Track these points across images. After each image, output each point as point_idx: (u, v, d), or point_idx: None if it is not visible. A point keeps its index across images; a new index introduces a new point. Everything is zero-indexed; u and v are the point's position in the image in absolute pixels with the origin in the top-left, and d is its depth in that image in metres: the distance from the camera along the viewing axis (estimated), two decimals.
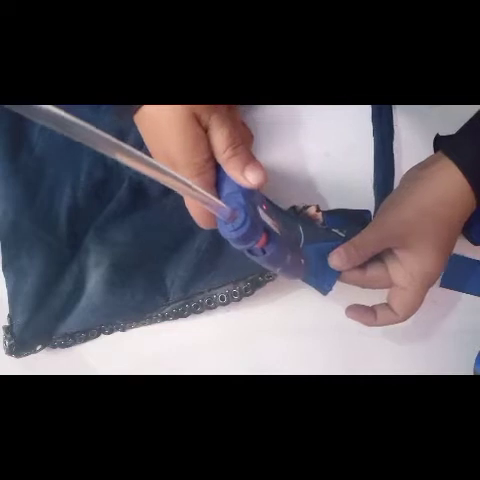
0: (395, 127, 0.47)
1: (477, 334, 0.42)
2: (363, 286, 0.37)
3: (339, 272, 0.36)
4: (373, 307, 0.37)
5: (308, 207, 0.42)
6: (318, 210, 0.41)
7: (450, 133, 0.38)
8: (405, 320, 0.36)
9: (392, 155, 0.45)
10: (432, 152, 0.42)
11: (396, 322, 0.36)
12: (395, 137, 0.46)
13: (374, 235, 0.34)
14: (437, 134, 0.42)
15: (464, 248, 0.43)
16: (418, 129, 0.46)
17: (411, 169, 0.35)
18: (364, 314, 0.37)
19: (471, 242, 0.43)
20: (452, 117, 0.39)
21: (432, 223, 0.32)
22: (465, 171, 0.31)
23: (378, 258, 0.36)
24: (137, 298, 0.45)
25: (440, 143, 0.34)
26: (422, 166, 0.34)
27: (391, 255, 0.35)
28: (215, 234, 0.43)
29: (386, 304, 0.36)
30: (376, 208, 0.42)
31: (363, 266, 0.36)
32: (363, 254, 0.34)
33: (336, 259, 0.35)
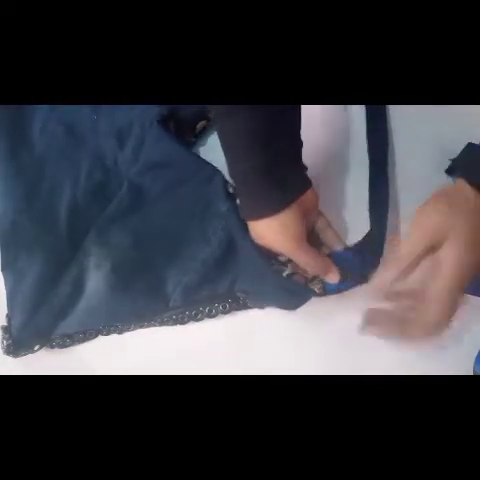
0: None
1: (477, 334, 0.42)
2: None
3: None
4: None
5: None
6: None
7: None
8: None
9: (387, 179, 0.46)
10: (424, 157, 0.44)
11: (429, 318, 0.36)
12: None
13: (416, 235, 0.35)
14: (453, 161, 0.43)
15: None
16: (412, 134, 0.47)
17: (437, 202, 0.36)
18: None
19: None
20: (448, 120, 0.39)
21: (466, 227, 0.34)
22: None
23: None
24: (137, 303, 0.45)
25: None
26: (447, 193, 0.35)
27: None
28: (221, 248, 0.44)
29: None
30: (371, 229, 0.43)
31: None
32: (409, 255, 0.35)
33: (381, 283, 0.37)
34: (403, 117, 0.48)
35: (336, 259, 0.41)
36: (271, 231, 0.39)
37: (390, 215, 0.44)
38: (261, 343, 0.44)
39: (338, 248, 0.43)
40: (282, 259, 0.42)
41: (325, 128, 0.49)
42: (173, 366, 0.44)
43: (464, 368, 0.41)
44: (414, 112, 0.47)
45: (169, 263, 0.46)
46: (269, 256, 0.41)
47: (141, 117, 0.49)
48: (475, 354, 0.41)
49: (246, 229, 0.41)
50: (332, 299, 0.42)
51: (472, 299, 0.43)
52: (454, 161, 0.43)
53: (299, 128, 0.40)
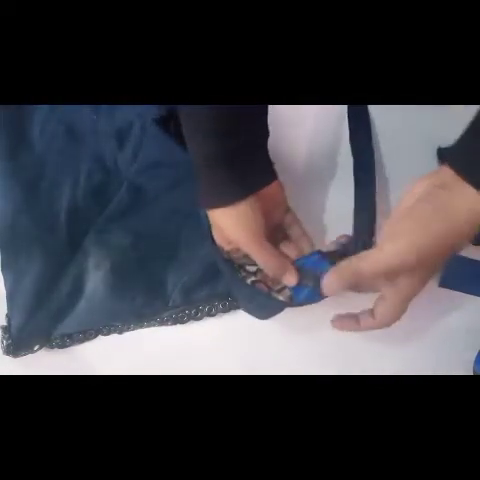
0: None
1: (477, 334, 0.42)
2: (355, 292, 0.38)
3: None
4: (357, 314, 0.38)
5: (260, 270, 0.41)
6: None
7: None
8: (386, 326, 0.37)
9: (373, 184, 0.44)
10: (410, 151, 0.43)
11: (378, 328, 0.37)
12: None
13: (375, 267, 0.34)
14: (439, 147, 0.42)
15: (464, 248, 0.43)
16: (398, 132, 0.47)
17: (422, 182, 0.34)
18: (348, 322, 0.38)
19: (471, 242, 0.43)
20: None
21: (439, 255, 0.33)
22: None
23: None
24: (137, 302, 0.45)
25: (453, 162, 0.32)
26: (438, 184, 0.32)
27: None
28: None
29: (370, 310, 0.37)
30: (355, 234, 0.41)
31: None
32: (356, 281, 0.35)
33: (328, 286, 0.36)
34: (398, 118, 0.48)
35: (303, 264, 0.39)
36: (227, 221, 0.37)
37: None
38: (261, 342, 0.44)
39: (304, 245, 0.41)
40: (251, 269, 0.40)
41: (315, 129, 0.49)
42: (173, 366, 0.44)
43: (464, 368, 0.41)
44: (409, 113, 0.47)
45: (168, 263, 0.46)
46: (239, 264, 0.40)
47: (141, 117, 0.49)
48: (475, 354, 0.41)
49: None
50: (332, 301, 0.43)
51: (472, 299, 0.43)
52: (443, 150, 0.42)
53: (265, 118, 0.39)
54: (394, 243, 0.33)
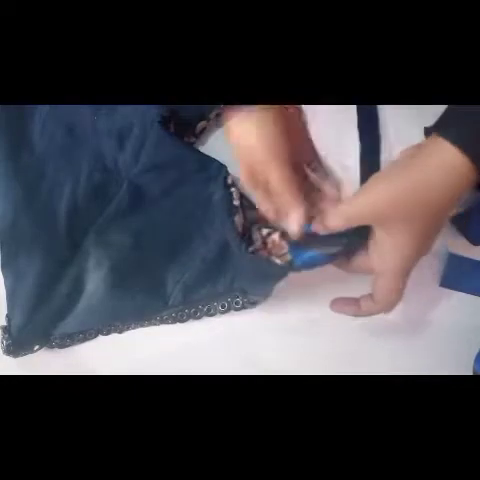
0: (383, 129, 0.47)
1: (477, 333, 0.42)
2: (350, 272, 0.38)
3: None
4: (358, 298, 0.38)
5: (271, 233, 0.41)
6: (283, 237, 0.40)
7: None
8: (387, 309, 0.36)
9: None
10: None
11: (378, 312, 0.37)
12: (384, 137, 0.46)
13: (353, 209, 0.34)
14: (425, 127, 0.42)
15: (464, 248, 0.43)
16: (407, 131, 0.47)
17: (403, 152, 0.34)
18: (348, 305, 0.38)
19: (471, 242, 0.43)
20: None
21: (416, 207, 0.32)
22: (462, 145, 0.29)
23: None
24: (137, 301, 0.45)
25: (432, 126, 0.32)
26: (415, 146, 0.33)
27: (372, 237, 0.36)
28: (219, 245, 0.44)
29: (370, 294, 0.37)
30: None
31: (348, 254, 0.37)
32: (341, 225, 0.35)
33: (317, 227, 0.37)
34: (399, 118, 0.48)
35: (306, 228, 0.38)
36: (251, 131, 0.38)
37: None
38: (261, 342, 0.44)
39: (329, 189, 0.41)
40: (255, 237, 0.41)
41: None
42: (173, 365, 0.44)
43: (464, 368, 0.41)
44: (410, 113, 0.47)
45: (169, 262, 0.46)
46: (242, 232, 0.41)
47: (141, 118, 0.49)
48: (475, 353, 0.41)
49: (229, 209, 0.41)
50: (332, 299, 0.43)
51: (472, 299, 0.43)
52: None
53: None
54: (364, 193, 0.34)
